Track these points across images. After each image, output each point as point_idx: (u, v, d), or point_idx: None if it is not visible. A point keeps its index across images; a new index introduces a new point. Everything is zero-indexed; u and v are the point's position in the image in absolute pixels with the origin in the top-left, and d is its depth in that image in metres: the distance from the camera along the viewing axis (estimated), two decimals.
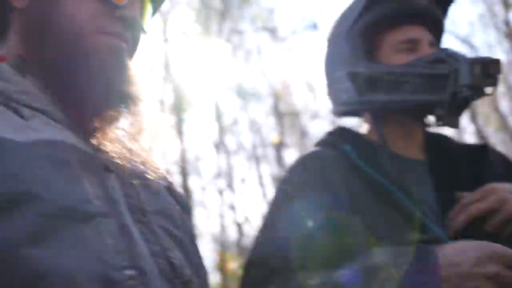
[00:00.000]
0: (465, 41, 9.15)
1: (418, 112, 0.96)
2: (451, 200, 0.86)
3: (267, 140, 12.23)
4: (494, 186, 0.83)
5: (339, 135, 1.00)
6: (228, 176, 11.37)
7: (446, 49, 0.93)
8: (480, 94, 0.88)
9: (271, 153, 12.41)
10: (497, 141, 11.53)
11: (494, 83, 0.88)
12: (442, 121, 0.92)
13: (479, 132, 9.10)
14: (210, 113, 10.42)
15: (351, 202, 0.85)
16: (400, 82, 0.90)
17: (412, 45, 0.95)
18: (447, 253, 0.72)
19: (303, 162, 0.95)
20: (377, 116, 0.97)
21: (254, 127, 13.07)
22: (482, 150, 1.00)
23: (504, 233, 0.81)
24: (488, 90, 0.88)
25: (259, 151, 12.14)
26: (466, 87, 0.85)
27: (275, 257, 0.80)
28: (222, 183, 10.55)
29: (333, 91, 1.02)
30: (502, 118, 10.51)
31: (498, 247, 0.71)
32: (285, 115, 11.42)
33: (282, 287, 0.77)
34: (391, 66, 0.92)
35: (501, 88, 11.86)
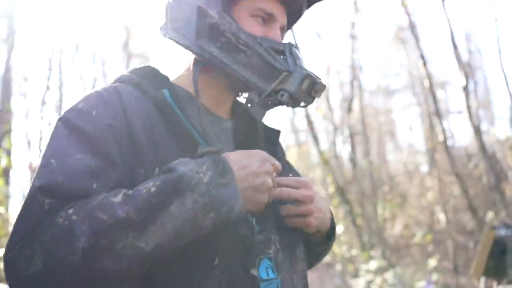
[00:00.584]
0: None
1: (239, 85, 0.96)
2: None
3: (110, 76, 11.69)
4: (311, 183, 0.93)
5: (148, 76, 0.94)
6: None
7: (292, 46, 0.92)
8: (295, 105, 0.91)
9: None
10: (321, 126, 12.94)
11: (310, 102, 0.92)
12: (251, 105, 0.97)
13: (308, 117, 9.69)
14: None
15: (155, 150, 0.83)
16: (239, 49, 0.90)
17: (267, 17, 0.95)
18: (237, 158, 0.80)
19: (103, 97, 0.87)
20: (198, 65, 0.95)
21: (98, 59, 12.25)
22: (277, 132, 1.07)
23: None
24: (302, 104, 0.92)
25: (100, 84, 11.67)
26: (288, 93, 0.88)
27: (74, 185, 0.75)
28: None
29: (174, 11, 0.96)
30: (329, 108, 11.76)
31: (266, 153, 0.84)
32: (134, 56, 11.03)
33: (82, 206, 0.72)
34: (239, 30, 0.90)
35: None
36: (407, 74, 13.51)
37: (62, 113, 0.86)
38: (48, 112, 11.90)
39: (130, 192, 0.74)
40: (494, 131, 11.55)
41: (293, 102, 0.90)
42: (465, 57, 11.16)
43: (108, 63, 13.68)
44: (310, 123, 9.75)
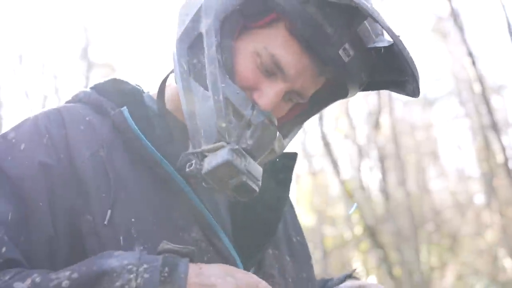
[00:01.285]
0: None
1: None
2: None
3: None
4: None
5: (110, 93, 0.96)
6: None
7: (263, 120, 0.88)
8: (202, 181, 0.88)
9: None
10: (342, 149, 12.97)
11: (224, 192, 0.89)
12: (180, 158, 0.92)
13: (324, 137, 9.87)
14: None
15: (109, 188, 0.85)
16: (203, 81, 0.89)
17: (275, 68, 0.89)
18: (202, 272, 0.77)
19: (38, 126, 0.90)
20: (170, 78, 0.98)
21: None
22: (293, 157, 1.07)
23: None
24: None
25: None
26: (199, 168, 0.87)
27: None
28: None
29: (182, 9, 0.97)
30: (351, 126, 11.53)
31: (255, 279, 0.80)
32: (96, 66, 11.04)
33: None
34: (214, 59, 0.88)
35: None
36: (451, 77, 13.16)
37: None
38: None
39: (38, 279, 0.74)
40: None
41: (201, 180, 0.87)
42: None
43: (62, 75, 13.10)
44: (327, 145, 9.93)
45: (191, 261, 0.78)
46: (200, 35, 0.89)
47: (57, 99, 11.44)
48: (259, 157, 0.89)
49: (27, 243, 0.80)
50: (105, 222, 0.81)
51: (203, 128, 0.87)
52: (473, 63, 8.81)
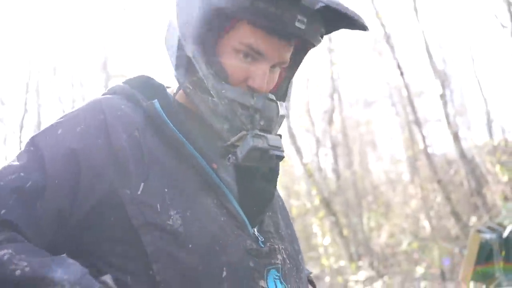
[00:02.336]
0: None
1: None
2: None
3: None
4: None
5: (141, 87, 0.92)
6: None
7: (265, 100, 0.86)
8: (243, 165, 0.88)
9: None
10: (304, 139, 12.98)
11: (266, 166, 0.93)
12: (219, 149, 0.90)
13: (290, 131, 9.80)
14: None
15: (143, 164, 0.80)
16: (209, 92, 0.86)
17: (255, 55, 0.86)
18: None
19: (79, 116, 0.84)
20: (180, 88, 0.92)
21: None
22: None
23: None
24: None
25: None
26: (236, 158, 0.85)
27: None
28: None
29: (167, 32, 0.95)
30: (311, 122, 11.89)
31: None
32: (113, 77, 11.03)
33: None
34: (208, 75, 0.85)
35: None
36: (385, 84, 13.92)
37: None
38: (26, 136, 11.69)
39: (6, 257, 0.69)
40: (472, 137, 11.81)
41: (239, 164, 0.87)
42: (440, 66, 11.41)
43: (86, 84, 13.61)
44: (292, 136, 9.80)
45: None
46: (189, 59, 0.87)
47: (83, 101, 11.30)
48: (274, 129, 0.89)
49: (40, 210, 0.76)
50: (139, 192, 0.78)
51: (224, 126, 0.87)
52: (401, 74, 9.33)
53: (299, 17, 0.83)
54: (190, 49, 0.86)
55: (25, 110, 10.69)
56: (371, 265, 8.61)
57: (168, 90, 0.97)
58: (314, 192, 9.97)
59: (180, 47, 0.88)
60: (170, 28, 0.93)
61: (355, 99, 14.63)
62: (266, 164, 0.90)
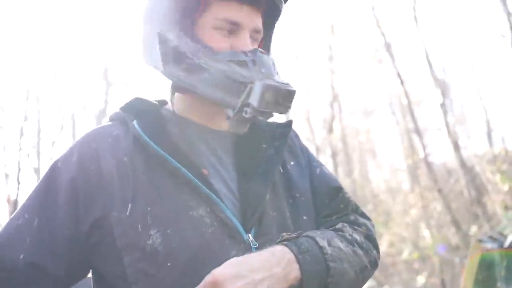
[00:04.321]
0: None
1: (212, 103, 0.91)
2: (247, 173, 0.92)
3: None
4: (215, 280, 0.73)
5: (132, 109, 0.94)
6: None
7: (256, 53, 0.88)
8: (266, 116, 0.88)
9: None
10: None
11: (283, 111, 0.88)
12: (230, 122, 0.89)
13: None
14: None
15: (129, 187, 0.83)
16: (203, 68, 0.87)
17: (233, 26, 0.90)
18: None
19: (75, 149, 0.90)
20: (173, 89, 0.94)
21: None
22: (287, 124, 1.03)
23: None
24: (274, 113, 0.88)
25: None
26: (251, 108, 0.83)
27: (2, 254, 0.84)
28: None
29: (144, 37, 0.95)
30: (311, 130, 11.86)
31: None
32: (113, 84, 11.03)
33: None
34: (197, 49, 0.87)
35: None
36: (385, 93, 13.70)
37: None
38: (26, 143, 11.68)
39: None
40: (472, 146, 11.80)
41: (261, 114, 0.85)
42: (440, 75, 11.43)
43: (87, 91, 13.52)
44: None
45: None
46: (175, 49, 0.88)
47: (83, 110, 11.34)
48: (276, 75, 0.88)
49: (51, 240, 0.83)
50: (127, 213, 0.80)
51: (227, 92, 0.86)
52: (401, 82, 9.32)
53: None
54: (174, 37, 0.89)
55: (25, 117, 10.72)
56: None
57: (167, 107, 0.99)
58: None
59: (162, 42, 0.89)
60: (145, 32, 0.95)
61: (355, 107, 14.69)
62: (282, 107, 0.86)
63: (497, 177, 8.29)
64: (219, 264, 0.76)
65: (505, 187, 8.08)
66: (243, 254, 0.80)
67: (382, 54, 11.36)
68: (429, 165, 9.38)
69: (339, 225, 0.95)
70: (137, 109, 0.94)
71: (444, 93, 9.62)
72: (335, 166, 11.36)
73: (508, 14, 8.31)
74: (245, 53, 0.88)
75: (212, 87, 0.87)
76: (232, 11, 0.90)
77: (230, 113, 0.88)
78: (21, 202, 0.88)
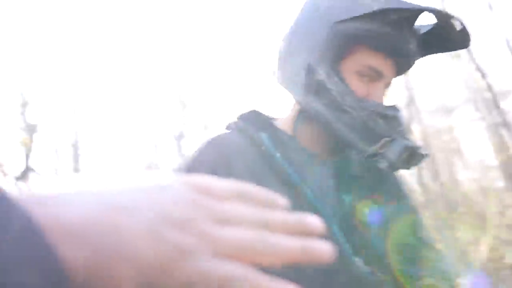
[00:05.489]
0: None
1: (339, 141, 0.95)
2: (350, 200, 0.95)
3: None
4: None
5: (251, 121, 1.01)
6: None
7: (396, 110, 0.93)
8: (395, 170, 0.92)
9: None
10: None
11: (407, 169, 0.92)
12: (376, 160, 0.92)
13: None
14: None
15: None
16: (343, 110, 0.90)
17: (375, 75, 0.93)
18: None
19: (206, 145, 0.95)
20: (302, 115, 0.99)
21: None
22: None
23: None
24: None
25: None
26: (387, 161, 0.88)
27: None
28: None
29: (285, 60, 0.99)
30: None
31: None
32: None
33: None
34: (345, 91, 0.91)
35: None
36: (465, 88, 12.96)
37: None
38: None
39: None
40: None
41: (394, 168, 0.91)
42: None
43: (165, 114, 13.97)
44: None
45: None
46: (319, 83, 0.91)
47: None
48: (408, 135, 0.93)
49: None
50: None
51: (362, 138, 0.90)
52: (482, 76, 8.96)
53: (411, 40, 0.93)
54: (323, 72, 0.92)
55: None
56: None
57: (276, 122, 1.05)
58: None
59: (310, 72, 0.93)
60: (287, 59, 0.99)
61: (434, 106, 14.04)
62: (413, 165, 0.91)
63: None
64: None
65: None
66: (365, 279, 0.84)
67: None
68: None
69: None
70: (255, 120, 1.01)
71: None
72: (419, 169, 10.67)
73: None
74: (388, 108, 0.93)
75: (347, 128, 0.91)
76: (378, 61, 0.93)
77: (360, 155, 0.93)
78: None
